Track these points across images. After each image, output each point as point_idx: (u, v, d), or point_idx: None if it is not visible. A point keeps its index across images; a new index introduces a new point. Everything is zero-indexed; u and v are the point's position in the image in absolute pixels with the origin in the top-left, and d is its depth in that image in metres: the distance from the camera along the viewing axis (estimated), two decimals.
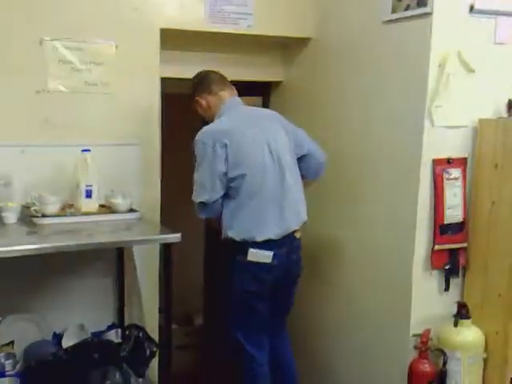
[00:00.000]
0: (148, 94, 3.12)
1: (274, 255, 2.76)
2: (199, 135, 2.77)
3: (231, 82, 3.51)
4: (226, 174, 2.72)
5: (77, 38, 2.92)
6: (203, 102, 2.94)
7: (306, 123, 3.46)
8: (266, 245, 2.75)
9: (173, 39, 3.13)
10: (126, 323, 3.03)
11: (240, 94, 4.09)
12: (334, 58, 3.32)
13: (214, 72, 3.02)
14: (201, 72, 3.02)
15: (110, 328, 2.94)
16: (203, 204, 2.76)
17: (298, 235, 2.90)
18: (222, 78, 3.00)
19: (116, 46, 3.01)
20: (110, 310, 3.09)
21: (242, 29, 3.31)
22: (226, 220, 2.80)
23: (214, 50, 3.45)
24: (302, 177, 2.97)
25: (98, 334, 2.87)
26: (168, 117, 3.24)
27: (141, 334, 2.58)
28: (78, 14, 2.91)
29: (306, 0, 3.42)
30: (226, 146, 2.71)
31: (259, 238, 2.74)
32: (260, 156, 2.78)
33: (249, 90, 3.98)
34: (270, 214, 2.78)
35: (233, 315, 2.90)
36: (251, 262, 2.76)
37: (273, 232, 2.77)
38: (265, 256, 2.75)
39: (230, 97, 2.95)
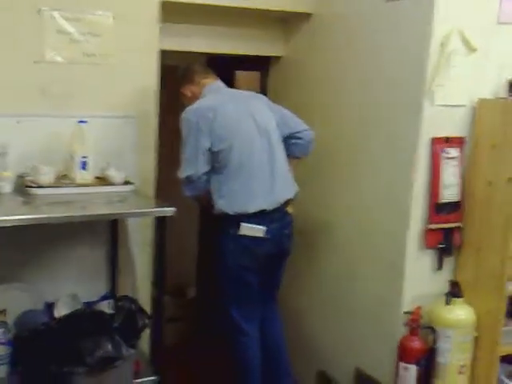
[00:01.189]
0: (146, 67, 3.08)
1: (267, 229, 2.80)
2: (184, 113, 2.84)
3: (231, 55, 3.53)
4: (210, 149, 2.78)
5: (75, 9, 2.87)
6: (187, 93, 3.02)
7: (304, 99, 3.48)
8: (258, 218, 2.79)
9: (173, 12, 3.09)
10: (118, 294, 3.02)
11: (239, 69, 4.11)
12: (335, 34, 3.28)
13: (196, 64, 3.13)
14: (184, 65, 3.11)
15: (102, 299, 2.94)
16: (188, 180, 2.82)
17: (290, 210, 2.94)
18: (205, 68, 3.09)
19: (114, 17, 2.96)
20: (102, 280, 3.09)
21: (240, 2, 3.24)
22: (216, 194, 2.84)
23: (214, 24, 3.42)
24: (290, 155, 3.02)
25: (90, 305, 2.88)
26: (169, 88, 3.22)
27: (133, 306, 2.59)
28: None
29: None
30: (209, 120, 2.78)
31: (252, 209, 2.78)
32: (245, 129, 2.84)
33: (248, 64, 3.98)
34: (260, 184, 2.83)
35: (225, 289, 2.94)
36: (244, 236, 2.79)
37: (265, 202, 2.81)
38: (257, 230, 2.79)
39: (212, 83, 3.01)
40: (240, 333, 2.93)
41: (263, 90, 3.88)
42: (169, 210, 2.63)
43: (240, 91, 3.18)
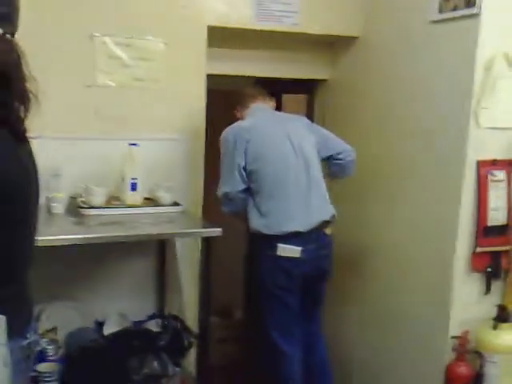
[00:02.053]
0: (194, 91, 3.16)
1: (303, 250, 2.80)
2: (223, 133, 2.92)
3: (276, 79, 3.59)
4: (245, 167, 2.84)
5: (126, 35, 2.97)
6: (238, 115, 3.10)
7: (350, 121, 3.50)
8: (294, 239, 2.79)
9: (219, 37, 3.17)
10: (166, 314, 3.07)
11: (285, 92, 4.16)
12: (381, 57, 3.30)
13: (248, 87, 3.24)
14: (240, 89, 3.20)
15: (150, 318, 3.00)
16: (226, 198, 2.88)
17: (328, 231, 2.92)
18: (255, 91, 3.16)
19: (164, 43, 3.05)
20: (151, 300, 3.15)
21: (287, 27, 3.31)
22: (252, 214, 2.87)
23: (259, 48, 3.48)
24: (332, 175, 3.06)
25: (138, 324, 2.93)
26: (211, 112, 3.29)
27: (179, 325, 2.63)
28: (127, 11, 2.97)
29: None
30: (246, 140, 2.85)
31: (286, 230, 2.78)
32: (280, 149, 2.88)
33: (294, 87, 4.03)
34: (296, 205, 2.84)
35: (264, 309, 2.94)
36: (281, 257, 2.80)
37: (300, 224, 2.81)
38: (294, 251, 2.79)
39: (256, 105, 3.08)
40: (281, 354, 2.91)
41: (310, 113, 3.91)
42: (215, 231, 2.69)
43: (279, 113, 3.22)
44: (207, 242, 2.74)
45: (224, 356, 4.01)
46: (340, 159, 3.02)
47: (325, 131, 3.09)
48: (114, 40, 2.96)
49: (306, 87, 3.94)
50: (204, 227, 2.85)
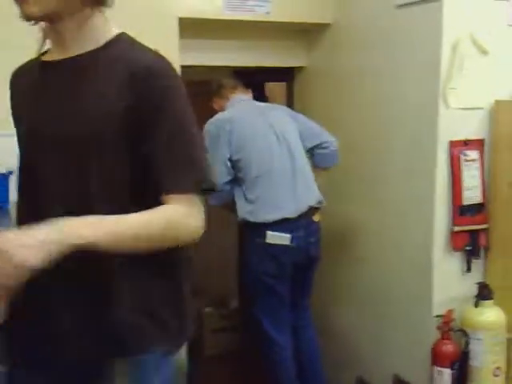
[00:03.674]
0: None
1: (292, 237, 2.82)
2: (205, 126, 2.94)
3: (254, 68, 3.61)
4: (230, 158, 2.85)
5: None
6: (216, 106, 3.15)
7: (328, 107, 3.52)
8: (283, 227, 2.82)
9: (192, 27, 3.16)
10: None
11: (264, 81, 4.16)
12: (352, 43, 3.31)
13: (225, 78, 3.25)
14: (216, 79, 3.24)
15: None
16: None
17: (316, 218, 2.95)
18: (233, 82, 3.19)
19: (134, 35, 3.03)
20: None
21: (259, 15, 3.30)
22: (239, 203, 2.89)
23: (234, 37, 3.47)
24: (316, 165, 3.05)
25: None
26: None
27: None
28: None
29: None
30: (228, 131, 2.87)
31: (274, 218, 2.81)
32: (263, 138, 2.91)
33: (273, 76, 4.04)
34: (282, 192, 2.86)
35: (254, 298, 2.97)
36: (269, 244, 2.82)
37: (287, 210, 2.83)
38: (283, 238, 2.82)
39: (236, 96, 3.11)
40: (273, 343, 2.95)
41: (289, 101, 3.93)
42: None
43: (261, 103, 3.23)
44: None
45: (219, 346, 4.05)
46: (325, 148, 3.04)
47: (308, 121, 3.10)
48: None
49: (285, 75, 3.94)
50: None
